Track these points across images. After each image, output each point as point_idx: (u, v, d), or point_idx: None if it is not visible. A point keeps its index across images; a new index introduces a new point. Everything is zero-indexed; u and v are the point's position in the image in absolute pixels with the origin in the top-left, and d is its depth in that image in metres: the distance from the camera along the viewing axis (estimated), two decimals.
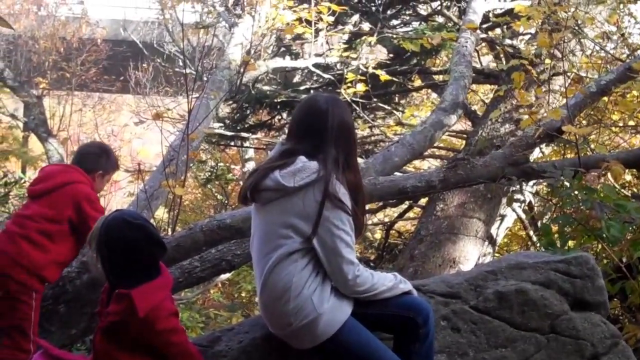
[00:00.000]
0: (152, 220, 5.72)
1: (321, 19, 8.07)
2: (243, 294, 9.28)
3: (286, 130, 10.60)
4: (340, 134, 3.09)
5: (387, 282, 3.08)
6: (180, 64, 13.70)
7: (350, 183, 3.06)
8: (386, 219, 12.12)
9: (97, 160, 4.24)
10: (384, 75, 8.32)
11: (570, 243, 4.87)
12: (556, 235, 4.75)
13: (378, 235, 11.74)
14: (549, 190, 6.69)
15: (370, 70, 8.36)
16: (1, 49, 14.08)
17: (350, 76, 8.35)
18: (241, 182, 13.91)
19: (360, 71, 8.38)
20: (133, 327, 2.79)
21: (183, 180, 6.02)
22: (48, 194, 4.02)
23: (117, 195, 13.73)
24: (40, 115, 12.73)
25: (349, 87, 8.35)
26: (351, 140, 3.18)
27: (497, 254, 8.51)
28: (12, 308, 3.82)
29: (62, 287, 4.09)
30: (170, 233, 5.44)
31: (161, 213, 8.27)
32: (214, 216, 5.36)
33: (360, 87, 8.26)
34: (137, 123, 8.83)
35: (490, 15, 8.40)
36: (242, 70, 7.31)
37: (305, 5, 8.34)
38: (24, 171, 12.96)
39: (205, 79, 9.59)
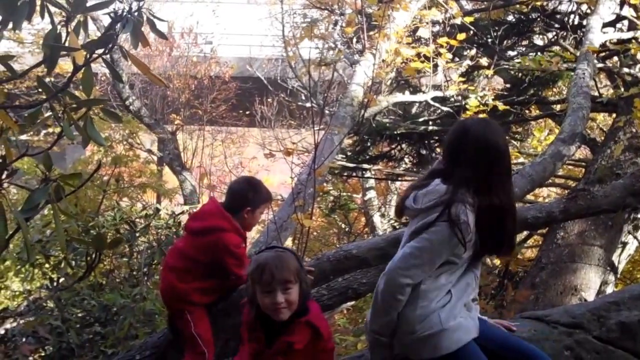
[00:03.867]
0: None
1: (440, 54, 8.29)
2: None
3: (406, 160, 10.89)
4: (477, 154, 3.06)
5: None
6: (303, 97, 14.22)
7: (484, 207, 3.03)
8: None
9: (244, 197, 4.31)
10: (502, 106, 8.41)
11: None
12: None
13: (498, 261, 11.68)
14: None
15: (490, 101, 8.46)
16: (138, 89, 15.09)
17: (472, 105, 8.43)
18: (362, 211, 14.27)
19: (479, 102, 8.47)
20: (317, 348, 3.12)
21: (310, 213, 6.34)
22: (196, 235, 4.28)
23: None
24: (174, 150, 13.57)
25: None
26: (491, 160, 3.08)
27: (619, 281, 8.36)
28: (181, 325, 4.22)
29: None
30: None
31: (289, 242, 8.63)
32: (340, 246, 5.52)
33: None
34: (267, 155, 9.25)
35: (608, 43, 8.34)
36: (364, 106, 7.58)
37: (425, 37, 8.54)
38: (158, 202, 13.65)
39: (327, 112, 9.97)
